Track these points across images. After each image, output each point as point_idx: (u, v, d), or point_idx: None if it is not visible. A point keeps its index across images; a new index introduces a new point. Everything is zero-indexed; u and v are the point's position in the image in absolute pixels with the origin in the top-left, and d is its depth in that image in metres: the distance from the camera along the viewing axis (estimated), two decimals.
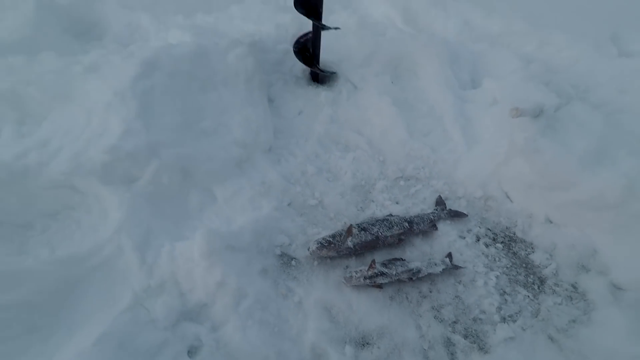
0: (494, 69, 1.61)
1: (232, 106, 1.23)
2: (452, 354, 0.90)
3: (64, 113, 1.13)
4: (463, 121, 1.38)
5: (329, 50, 1.53)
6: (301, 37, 1.47)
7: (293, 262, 1.01)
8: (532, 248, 1.08)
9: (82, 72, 1.35)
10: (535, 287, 1.01)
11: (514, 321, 0.94)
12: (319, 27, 1.35)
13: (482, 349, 0.90)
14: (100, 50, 1.61)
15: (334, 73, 1.50)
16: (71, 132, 1.04)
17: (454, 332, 0.92)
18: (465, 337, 0.92)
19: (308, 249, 0.99)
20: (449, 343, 0.91)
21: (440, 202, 1.16)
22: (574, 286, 1.01)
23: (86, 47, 1.71)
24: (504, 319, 0.94)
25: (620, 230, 0.98)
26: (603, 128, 1.14)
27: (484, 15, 1.97)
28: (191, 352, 0.84)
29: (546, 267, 1.03)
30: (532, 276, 1.03)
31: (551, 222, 1.09)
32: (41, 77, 1.30)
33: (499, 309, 0.96)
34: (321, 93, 1.46)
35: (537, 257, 1.05)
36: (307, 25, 1.43)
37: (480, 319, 0.95)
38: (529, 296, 0.99)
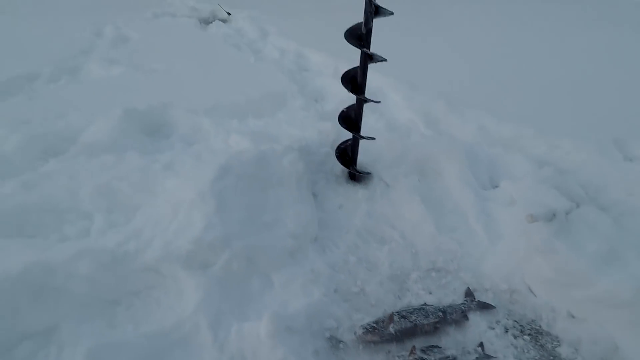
0: (509, 171, 1.83)
1: (286, 203, 1.47)
2: None
3: (152, 207, 1.38)
4: (485, 218, 1.56)
5: (364, 152, 1.81)
6: (342, 143, 1.76)
7: (341, 345, 1.14)
8: (558, 341, 1.17)
9: (161, 170, 1.65)
10: None
11: None
12: (357, 138, 1.65)
13: None
14: (170, 149, 1.95)
15: (369, 173, 1.75)
16: (160, 223, 1.28)
17: None
18: None
19: (354, 334, 1.12)
20: None
21: (469, 293, 1.29)
22: None
23: (158, 146, 2.04)
24: None
25: (638, 328, 1.07)
26: (612, 230, 1.30)
27: (497, 121, 2.26)
28: None
29: None
30: None
31: (573, 317, 1.19)
32: (129, 174, 1.60)
33: None
34: (358, 191, 1.70)
35: (563, 351, 1.14)
36: (345, 133, 1.73)
37: None
38: None
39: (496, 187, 1.77)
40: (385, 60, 1.40)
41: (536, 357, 1.14)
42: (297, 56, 3.58)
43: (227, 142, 1.87)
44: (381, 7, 1.32)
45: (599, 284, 1.11)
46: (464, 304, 1.25)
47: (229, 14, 6.11)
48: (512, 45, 4.07)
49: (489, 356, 1.11)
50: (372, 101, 1.53)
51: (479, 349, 1.12)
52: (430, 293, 1.32)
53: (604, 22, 5.63)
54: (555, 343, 1.17)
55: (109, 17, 4.97)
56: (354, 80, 1.52)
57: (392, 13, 1.34)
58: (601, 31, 4.97)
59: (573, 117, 2.32)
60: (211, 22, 5.38)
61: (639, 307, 1.06)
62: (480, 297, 1.29)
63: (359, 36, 1.40)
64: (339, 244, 1.46)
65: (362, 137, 1.61)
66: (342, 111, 1.65)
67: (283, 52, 3.66)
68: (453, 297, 1.30)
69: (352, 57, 1.56)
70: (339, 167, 1.79)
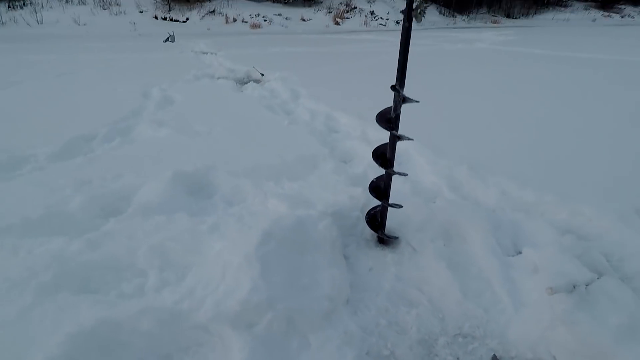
0: (531, 237, 1.92)
1: (321, 266, 1.61)
2: None
3: (202, 267, 1.55)
4: (509, 285, 1.64)
5: (392, 217, 1.95)
6: (371, 209, 1.91)
7: None
8: None
9: (207, 232, 1.83)
10: None
11: None
12: (386, 206, 1.80)
13: None
14: (214, 210, 2.14)
15: (397, 237, 1.87)
16: (210, 284, 1.44)
17: None
18: None
19: None
20: None
21: None
22: None
23: (203, 206, 2.25)
24: None
25: None
26: (634, 302, 1.36)
27: (519, 186, 2.38)
28: None
29: None
30: None
31: None
32: (180, 235, 1.79)
33: None
34: (387, 254, 1.82)
35: None
36: (375, 199, 1.89)
37: None
38: None
39: (519, 253, 1.85)
40: (412, 139, 1.59)
41: None
42: (327, 118, 3.87)
43: (265, 205, 2.06)
44: (408, 98, 1.53)
45: (622, 358, 1.16)
46: None
47: (263, 74, 6.64)
48: (532, 111, 4.26)
49: None
50: (400, 174, 1.70)
51: None
52: (458, 359, 1.38)
53: (620, 84, 5.81)
54: None
55: (155, 80, 5.53)
56: (384, 156, 1.70)
57: (418, 102, 1.54)
58: (622, 94, 5.12)
59: (594, 183, 2.40)
60: (246, 83, 5.86)
61: None
62: None
63: (388, 119, 1.61)
64: (370, 307, 1.57)
65: (391, 205, 1.76)
66: (372, 181, 1.82)
67: (313, 114, 3.97)
68: None
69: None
70: (368, 231, 1.93)
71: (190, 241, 1.75)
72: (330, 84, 5.55)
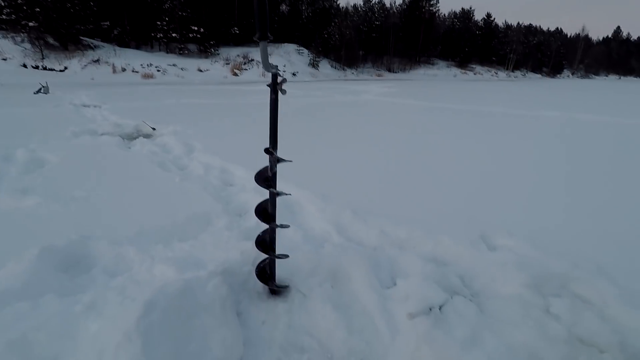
0: (403, 269, 2.21)
1: (211, 328, 1.60)
2: None
3: (73, 356, 1.41)
4: (387, 316, 1.83)
5: (282, 267, 2.05)
6: (260, 262, 1.99)
7: None
8: None
9: (83, 311, 1.68)
10: None
11: None
12: (273, 258, 1.90)
13: None
14: (92, 285, 1.97)
15: (287, 286, 1.97)
16: None
17: None
18: None
19: None
20: None
21: None
22: None
23: (77, 282, 2.04)
24: None
25: None
26: (475, 316, 1.66)
27: (394, 225, 2.72)
28: None
29: None
30: None
31: None
32: (47, 321, 1.61)
33: None
34: (279, 305, 1.89)
35: None
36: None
37: None
38: None
39: (395, 285, 2.10)
40: (290, 194, 1.76)
41: None
42: (222, 171, 3.92)
43: (151, 272, 1.98)
44: (281, 158, 1.70)
45: None
46: None
47: (154, 129, 6.42)
48: (407, 155, 4.94)
49: None
50: (282, 226, 1.83)
51: None
52: None
53: (480, 130, 7.11)
54: None
55: (21, 139, 4.94)
56: (265, 212, 1.82)
57: (291, 161, 1.73)
58: (480, 138, 6.26)
59: (452, 217, 2.88)
60: (135, 139, 5.59)
61: None
62: None
63: (266, 178, 1.75)
64: None
65: (277, 257, 1.87)
66: (258, 235, 1.91)
67: (208, 168, 3.98)
68: None
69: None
70: (260, 284, 1.99)
71: (59, 327, 1.58)
72: (227, 136, 5.64)
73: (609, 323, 1.72)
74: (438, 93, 15.54)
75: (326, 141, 5.58)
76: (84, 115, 7.40)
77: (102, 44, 23.47)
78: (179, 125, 6.18)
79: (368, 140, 5.75)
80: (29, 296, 1.76)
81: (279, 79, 1.63)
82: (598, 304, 1.91)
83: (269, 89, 1.62)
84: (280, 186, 1.84)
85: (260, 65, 26.57)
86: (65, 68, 19.03)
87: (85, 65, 19.94)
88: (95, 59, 20.99)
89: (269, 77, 1.67)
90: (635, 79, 66.97)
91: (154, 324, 1.48)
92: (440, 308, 1.67)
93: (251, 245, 2.21)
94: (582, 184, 3.86)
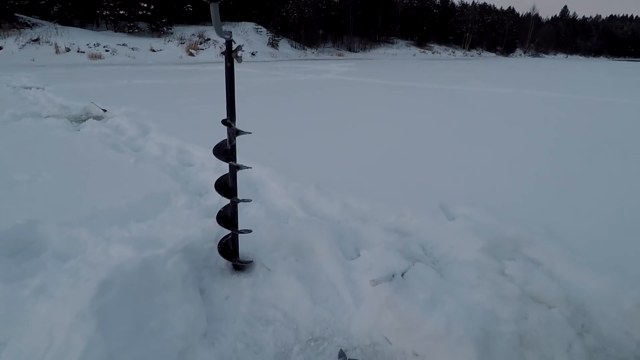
0: (367, 240, 2.25)
1: (172, 305, 1.56)
2: None
3: (22, 339, 1.32)
4: (351, 286, 1.88)
5: (246, 242, 2.02)
6: (223, 238, 1.95)
7: None
8: None
9: (31, 295, 1.59)
10: None
11: None
12: (236, 233, 1.87)
13: None
14: (41, 270, 1.85)
15: (251, 261, 1.95)
16: (33, 355, 1.24)
17: None
18: None
19: None
20: None
21: (341, 354, 1.53)
22: None
23: (24, 267, 1.91)
24: None
25: (459, 357, 1.44)
26: (435, 280, 1.74)
27: (357, 199, 2.75)
28: None
29: None
30: None
31: (417, 355, 1.52)
32: None
33: None
34: (242, 280, 1.87)
35: None
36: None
37: None
38: None
39: (359, 256, 2.14)
40: (250, 167, 1.72)
41: None
42: (180, 152, 3.77)
43: (107, 253, 1.88)
44: (240, 130, 1.65)
45: (426, 325, 1.47)
46: None
47: (105, 110, 6.06)
48: (371, 132, 4.98)
49: None
50: (244, 200, 1.80)
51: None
52: None
53: (442, 105, 7.28)
54: None
55: None
56: (226, 186, 1.78)
57: (250, 133, 1.69)
58: (441, 113, 6.41)
59: (413, 189, 2.95)
60: (84, 121, 5.25)
61: (453, 339, 1.43)
62: (351, 355, 1.54)
63: (225, 151, 1.70)
64: (227, 334, 1.58)
65: (240, 232, 1.84)
66: (220, 211, 1.87)
67: (165, 149, 3.81)
68: None
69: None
70: (223, 261, 1.95)
71: (4, 312, 1.47)
72: (184, 116, 5.42)
73: (557, 281, 1.86)
74: (396, 72, 15.84)
75: (287, 120, 5.51)
76: (25, 97, 6.81)
77: (40, 21, 21.50)
78: (133, 106, 5.85)
79: (329, 118, 5.74)
80: None
81: (234, 46, 1.56)
82: (547, 264, 2.06)
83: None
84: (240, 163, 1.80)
85: (218, 45, 25.52)
86: (1, 48, 17.32)
87: (23, 45, 18.24)
88: (35, 38, 19.23)
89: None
90: (581, 57, 71.37)
91: (111, 303, 1.42)
92: (402, 275, 1.73)
93: (213, 222, 2.15)
94: (535, 154, 4.09)
